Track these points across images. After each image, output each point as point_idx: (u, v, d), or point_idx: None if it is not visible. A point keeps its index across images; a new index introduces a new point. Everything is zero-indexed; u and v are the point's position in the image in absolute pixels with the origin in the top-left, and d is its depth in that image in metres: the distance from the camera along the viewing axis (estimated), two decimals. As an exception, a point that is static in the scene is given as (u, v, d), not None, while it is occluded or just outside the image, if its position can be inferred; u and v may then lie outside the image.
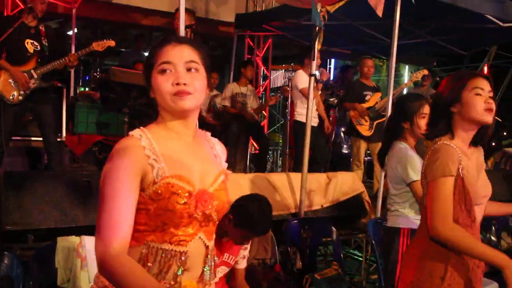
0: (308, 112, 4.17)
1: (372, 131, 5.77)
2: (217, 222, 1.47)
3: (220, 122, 6.06)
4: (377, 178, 5.72)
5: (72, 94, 6.32)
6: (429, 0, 4.55)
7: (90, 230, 3.22)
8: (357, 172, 5.57)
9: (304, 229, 3.59)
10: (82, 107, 5.78)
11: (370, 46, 7.32)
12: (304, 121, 5.41)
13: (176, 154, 1.41)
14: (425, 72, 5.82)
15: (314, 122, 5.63)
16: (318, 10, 3.73)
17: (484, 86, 1.96)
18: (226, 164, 1.59)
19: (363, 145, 5.83)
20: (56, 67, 4.30)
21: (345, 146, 7.04)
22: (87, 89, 6.80)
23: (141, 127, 1.42)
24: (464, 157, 1.94)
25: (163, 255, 1.36)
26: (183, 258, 1.38)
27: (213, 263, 1.48)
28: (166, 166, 1.36)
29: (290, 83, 6.00)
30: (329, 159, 5.97)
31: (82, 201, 3.52)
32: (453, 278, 1.92)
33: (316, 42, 3.92)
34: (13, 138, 4.57)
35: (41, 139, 4.61)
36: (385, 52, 7.52)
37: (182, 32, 3.69)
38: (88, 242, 2.92)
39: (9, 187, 3.38)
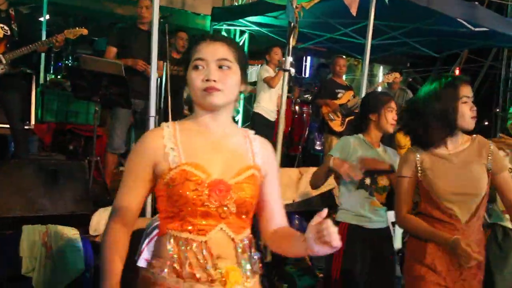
0: (281, 106, 4.18)
1: (344, 127, 5.84)
2: (243, 217, 1.46)
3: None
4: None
5: (42, 81, 6.18)
6: (403, 2, 4.62)
7: (57, 219, 3.18)
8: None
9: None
10: (52, 94, 5.66)
11: (346, 45, 7.40)
12: (262, 113, 5.53)
13: (198, 145, 1.46)
14: (397, 75, 5.93)
15: (272, 117, 5.69)
16: (294, 7, 3.74)
17: (469, 93, 2.13)
18: (267, 161, 1.56)
19: (334, 142, 5.88)
20: (35, 50, 4.19)
21: (318, 143, 7.10)
22: (59, 77, 6.65)
23: (174, 121, 1.53)
24: (435, 158, 2.15)
25: (181, 243, 1.41)
26: (203, 246, 1.40)
27: (247, 257, 1.46)
28: (183, 154, 1.43)
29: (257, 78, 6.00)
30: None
31: (49, 190, 3.46)
32: (434, 265, 2.13)
33: (291, 39, 3.93)
34: (-21, 124, 4.45)
35: (8, 126, 4.49)
36: (360, 52, 7.59)
37: (155, 20, 3.65)
38: (54, 231, 2.87)
39: (-27, 174, 3.29)
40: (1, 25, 4.17)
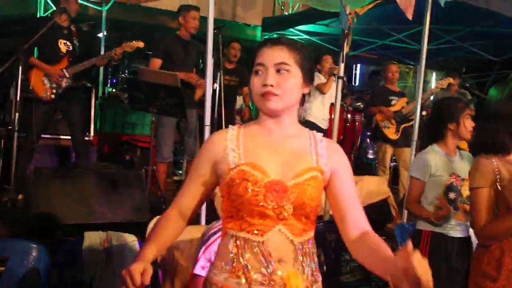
0: (335, 114, 4.14)
1: (399, 134, 5.70)
2: (302, 219, 1.43)
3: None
4: (402, 184, 5.65)
5: (100, 94, 6.44)
6: (459, 4, 4.48)
7: (116, 227, 3.26)
8: (383, 177, 5.50)
9: (329, 232, 3.55)
10: (110, 107, 5.87)
11: (397, 52, 7.26)
12: (314, 121, 5.48)
13: (259, 146, 1.48)
14: (451, 80, 5.74)
15: (324, 124, 5.64)
16: (347, 13, 3.70)
17: None
18: (334, 161, 1.51)
19: (389, 150, 5.76)
20: (95, 64, 4.39)
21: (370, 151, 6.97)
22: (114, 90, 6.91)
23: (242, 124, 1.59)
24: (510, 166, 2.05)
25: (239, 242, 1.42)
26: (260, 247, 1.39)
27: (308, 261, 1.44)
28: (243, 154, 1.45)
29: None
30: None
31: (109, 199, 3.57)
32: (507, 280, 2.02)
33: (344, 45, 3.89)
34: (43, 135, 4.67)
35: (69, 137, 4.70)
36: (413, 58, 7.46)
37: (210, 33, 3.70)
38: (115, 238, 2.95)
39: (38, 183, 3.45)
40: (64, 41, 4.40)
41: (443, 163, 2.69)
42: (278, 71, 1.44)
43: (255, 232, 1.40)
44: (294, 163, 1.45)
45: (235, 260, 1.41)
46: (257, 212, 1.40)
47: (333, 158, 1.52)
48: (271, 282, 1.38)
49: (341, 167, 1.53)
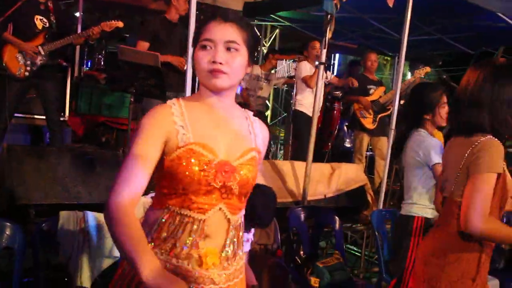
0: (316, 100, 4.14)
1: (376, 124, 5.77)
2: (243, 198, 1.48)
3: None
4: (378, 173, 5.73)
5: (76, 74, 6.29)
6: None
7: (93, 207, 3.20)
8: (360, 165, 5.56)
9: (307, 217, 3.57)
10: (86, 87, 5.75)
11: (377, 42, 7.30)
12: (304, 110, 5.51)
13: (204, 124, 1.45)
14: (428, 69, 5.80)
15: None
16: (331, -2, 3.69)
17: None
18: (264, 143, 1.59)
19: (365, 139, 5.83)
20: (75, 41, 4.28)
21: (347, 140, 7.03)
22: (91, 70, 6.76)
23: (178, 98, 1.51)
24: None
25: (180, 218, 1.41)
26: (199, 225, 1.41)
27: (235, 239, 1.49)
28: (192, 133, 1.42)
29: (295, 74, 5.99)
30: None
31: (85, 179, 3.51)
32: (481, 277, 1.90)
33: (327, 31, 3.88)
34: (16, 115, 4.54)
35: (44, 117, 4.58)
36: (391, 48, 7.52)
37: (193, 15, 3.64)
38: (91, 217, 2.90)
39: (12, 160, 3.36)
40: (41, 17, 4.26)
41: None
42: (228, 49, 1.42)
43: (198, 210, 1.41)
44: (237, 143, 1.49)
45: (168, 233, 1.41)
46: (203, 191, 1.40)
47: (264, 141, 1.59)
48: (188, 256, 1.40)
49: (264, 150, 1.61)
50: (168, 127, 1.41)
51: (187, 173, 1.38)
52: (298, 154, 5.54)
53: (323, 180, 4.49)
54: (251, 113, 1.61)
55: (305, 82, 5.46)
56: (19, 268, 2.51)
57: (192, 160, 1.38)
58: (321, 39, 4.09)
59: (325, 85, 5.62)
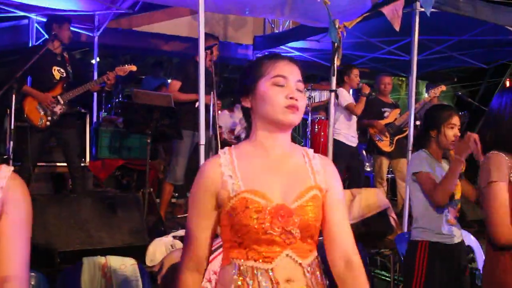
0: (330, 128, 4.15)
1: (393, 147, 5.72)
2: (308, 240, 1.41)
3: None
4: (401, 195, 5.65)
5: (95, 120, 6.44)
6: (447, 14, 4.54)
7: (115, 251, 3.24)
8: (381, 189, 5.50)
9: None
10: (105, 132, 5.87)
11: (389, 64, 7.32)
12: (342, 140, 5.42)
13: (256, 169, 1.42)
14: (443, 88, 5.77)
15: (353, 142, 5.61)
16: (336, 27, 3.75)
17: None
18: (329, 178, 1.49)
19: (384, 162, 5.77)
20: (89, 89, 4.41)
21: (367, 164, 6.97)
22: (109, 115, 6.92)
23: (232, 146, 1.51)
24: None
25: (248, 270, 1.37)
26: (268, 274, 1.36)
27: (315, 280, 1.41)
28: (242, 181, 1.39)
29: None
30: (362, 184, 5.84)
31: (107, 223, 3.54)
32: None
33: (335, 59, 3.92)
34: (38, 164, 4.65)
35: (65, 164, 4.69)
36: (404, 69, 7.52)
37: (202, 54, 3.73)
38: (114, 262, 2.92)
39: (35, 210, 3.41)
40: (58, 68, 4.42)
41: (433, 166, 2.68)
42: (297, 88, 1.43)
43: (264, 259, 1.36)
44: (294, 184, 1.42)
45: (239, 287, 1.37)
46: (264, 240, 1.35)
47: (328, 176, 1.49)
48: None
49: (334, 186, 1.50)
50: (215, 182, 1.41)
51: (243, 223, 1.35)
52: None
53: (344, 207, 4.44)
54: (311, 150, 1.54)
55: (349, 109, 5.40)
56: (45, 317, 2.54)
57: (246, 209, 1.35)
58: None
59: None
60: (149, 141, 4.14)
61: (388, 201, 4.91)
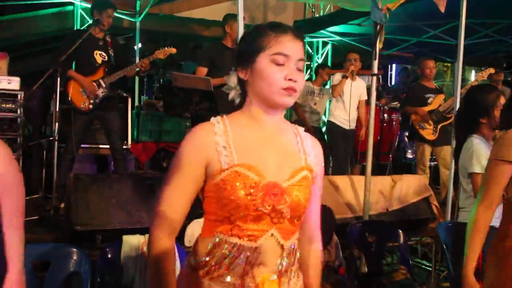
0: (370, 112, 4.06)
1: (437, 134, 5.53)
2: (295, 221, 1.38)
3: None
4: (443, 183, 5.48)
5: (136, 103, 6.56)
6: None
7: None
8: (423, 176, 5.35)
9: (369, 233, 3.46)
10: (146, 115, 5.97)
11: (434, 49, 7.08)
12: (333, 121, 5.51)
13: (251, 143, 1.37)
14: (492, 70, 5.50)
15: (345, 124, 5.58)
16: (380, 7, 3.63)
17: None
18: (318, 161, 1.48)
19: (427, 149, 5.60)
20: (126, 74, 4.49)
21: (409, 151, 6.80)
22: (149, 98, 7.04)
23: (224, 115, 1.42)
24: None
25: (230, 247, 1.33)
26: (252, 254, 1.32)
27: (290, 265, 1.39)
28: (236, 154, 1.33)
29: None
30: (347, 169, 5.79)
31: (147, 203, 3.60)
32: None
33: (377, 41, 3.81)
34: (82, 145, 4.78)
35: (108, 146, 4.80)
36: (450, 54, 7.26)
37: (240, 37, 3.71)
38: (153, 241, 2.97)
39: (78, 189, 3.52)
40: (100, 52, 4.50)
41: (487, 150, 2.60)
42: (297, 67, 1.35)
43: (249, 237, 1.32)
44: (286, 162, 1.39)
45: (219, 263, 1.34)
46: (252, 216, 1.31)
47: (318, 158, 1.48)
48: (243, 285, 1.33)
49: (320, 169, 1.49)
50: (208, 150, 1.34)
51: (232, 197, 1.29)
52: (334, 168, 5.51)
53: (384, 193, 4.35)
54: (302, 128, 1.50)
55: (333, 90, 5.49)
56: (87, 291, 2.61)
57: (237, 184, 1.29)
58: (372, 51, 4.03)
59: (379, 98, 5.50)
60: (188, 124, 4.17)
61: (430, 188, 4.78)
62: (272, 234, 1.34)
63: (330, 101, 6.02)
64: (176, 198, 1.36)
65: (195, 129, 1.39)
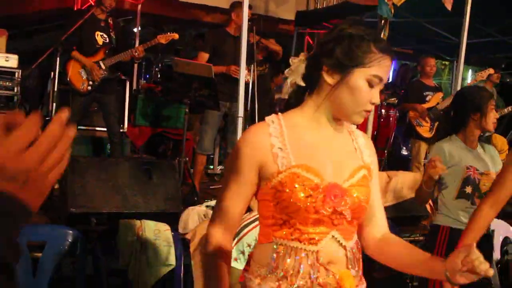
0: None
1: (433, 132, 5.56)
2: (354, 222, 1.36)
3: None
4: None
5: (134, 87, 6.52)
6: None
7: (149, 216, 3.30)
8: (418, 173, 5.38)
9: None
10: (144, 99, 5.94)
11: (434, 46, 7.08)
12: None
13: (307, 144, 1.34)
14: (491, 71, 5.53)
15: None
16: (386, 1, 3.63)
17: None
18: (373, 158, 1.47)
19: (423, 146, 5.63)
20: (122, 59, 4.45)
21: (404, 147, 6.83)
22: (148, 83, 7.00)
23: (280, 113, 1.39)
24: None
25: (291, 252, 1.30)
26: (314, 257, 1.30)
27: (356, 262, 1.37)
28: (292, 155, 1.30)
29: None
30: None
31: (143, 188, 3.59)
32: None
33: (381, 35, 3.80)
34: (79, 127, 4.76)
35: (104, 129, 4.77)
36: (450, 52, 7.27)
37: (245, 26, 3.70)
38: (149, 226, 2.98)
39: (74, 171, 3.51)
40: (101, 33, 4.46)
41: (460, 154, 2.59)
42: (380, 88, 1.34)
43: (309, 241, 1.29)
44: (344, 163, 1.36)
45: (282, 269, 1.30)
46: (311, 219, 1.28)
47: (372, 156, 1.46)
48: (324, 284, 1.30)
49: (375, 166, 1.47)
50: (262, 152, 1.31)
51: (291, 200, 1.26)
52: None
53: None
54: (353, 126, 1.47)
55: None
56: (81, 273, 2.63)
57: (296, 186, 1.26)
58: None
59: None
60: (187, 110, 4.16)
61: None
62: (333, 236, 1.32)
63: None
64: (231, 201, 1.37)
65: (249, 131, 1.39)
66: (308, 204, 1.27)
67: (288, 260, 1.30)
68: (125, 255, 2.87)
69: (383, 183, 4.45)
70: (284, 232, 1.30)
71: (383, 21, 3.74)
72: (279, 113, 1.39)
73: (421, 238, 4.51)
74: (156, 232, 3.03)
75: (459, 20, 4.34)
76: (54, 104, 4.22)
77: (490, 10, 5.25)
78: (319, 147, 1.35)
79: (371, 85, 1.30)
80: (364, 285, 1.42)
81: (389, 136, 6.40)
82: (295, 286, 1.29)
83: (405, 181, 4.56)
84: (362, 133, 1.50)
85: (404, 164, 6.58)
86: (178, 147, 5.63)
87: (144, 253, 2.92)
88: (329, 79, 1.33)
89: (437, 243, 2.58)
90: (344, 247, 1.33)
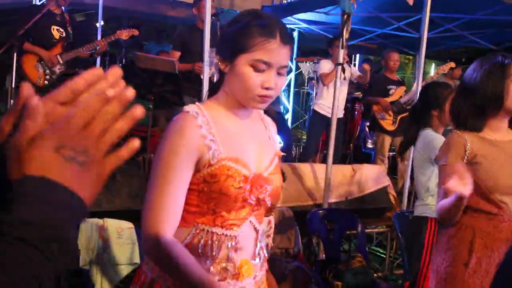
0: (334, 102, 4.09)
1: (396, 125, 5.67)
2: (269, 207, 1.42)
3: None
4: (401, 174, 5.63)
5: (97, 83, 6.37)
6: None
7: (112, 215, 3.24)
8: (382, 166, 5.47)
9: (328, 220, 3.52)
10: (106, 96, 5.81)
11: (397, 41, 7.19)
12: (321, 111, 5.41)
13: (232, 135, 1.36)
14: (452, 64, 5.67)
15: (330, 113, 5.53)
16: (347, -3, 3.65)
17: None
18: (279, 145, 1.54)
19: (387, 140, 5.73)
20: (81, 54, 4.34)
21: (369, 141, 6.93)
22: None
23: (197, 103, 1.37)
24: (485, 144, 1.91)
25: (214, 238, 1.32)
26: (234, 242, 1.34)
27: (263, 245, 1.43)
28: (222, 147, 1.31)
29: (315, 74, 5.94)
30: (339, 156, 5.83)
31: (105, 186, 3.49)
32: (479, 265, 1.86)
33: (344, 31, 3.83)
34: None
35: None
36: (412, 47, 7.39)
37: (207, 20, 3.66)
38: (111, 224, 2.92)
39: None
40: (57, 28, 4.34)
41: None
42: (278, 73, 1.32)
43: (230, 226, 1.33)
44: (264, 151, 1.42)
45: (200, 253, 1.32)
46: (237, 207, 1.33)
47: (277, 140, 1.54)
48: (224, 271, 1.34)
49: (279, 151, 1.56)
50: (198, 145, 1.29)
51: (222, 191, 1.29)
52: (302, 154, 5.52)
53: (344, 182, 4.43)
54: (261, 111, 1.50)
55: (320, 78, 5.37)
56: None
57: (227, 178, 1.29)
58: (338, 40, 4.05)
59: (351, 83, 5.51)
60: (151, 106, 4.09)
61: (388, 178, 4.90)
62: (250, 221, 1.37)
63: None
64: (174, 198, 1.28)
65: (178, 123, 1.31)
66: (238, 194, 1.30)
67: (206, 242, 1.31)
68: (86, 254, 2.80)
69: (348, 176, 4.51)
70: (207, 219, 1.33)
71: (345, 16, 3.76)
72: (197, 103, 1.38)
73: (386, 229, 4.60)
74: (119, 230, 2.98)
75: (420, 15, 4.41)
76: (12, 101, 4.07)
77: (451, 6, 5.36)
78: (242, 137, 1.38)
79: (257, 69, 1.28)
80: (265, 267, 1.47)
81: (354, 130, 6.47)
82: (210, 270, 1.33)
83: (369, 174, 4.63)
84: (270, 119, 1.54)
85: (369, 157, 6.69)
86: (142, 143, 5.54)
87: (107, 252, 2.86)
88: (222, 67, 1.35)
89: (427, 236, 2.62)
90: (257, 230, 1.39)
